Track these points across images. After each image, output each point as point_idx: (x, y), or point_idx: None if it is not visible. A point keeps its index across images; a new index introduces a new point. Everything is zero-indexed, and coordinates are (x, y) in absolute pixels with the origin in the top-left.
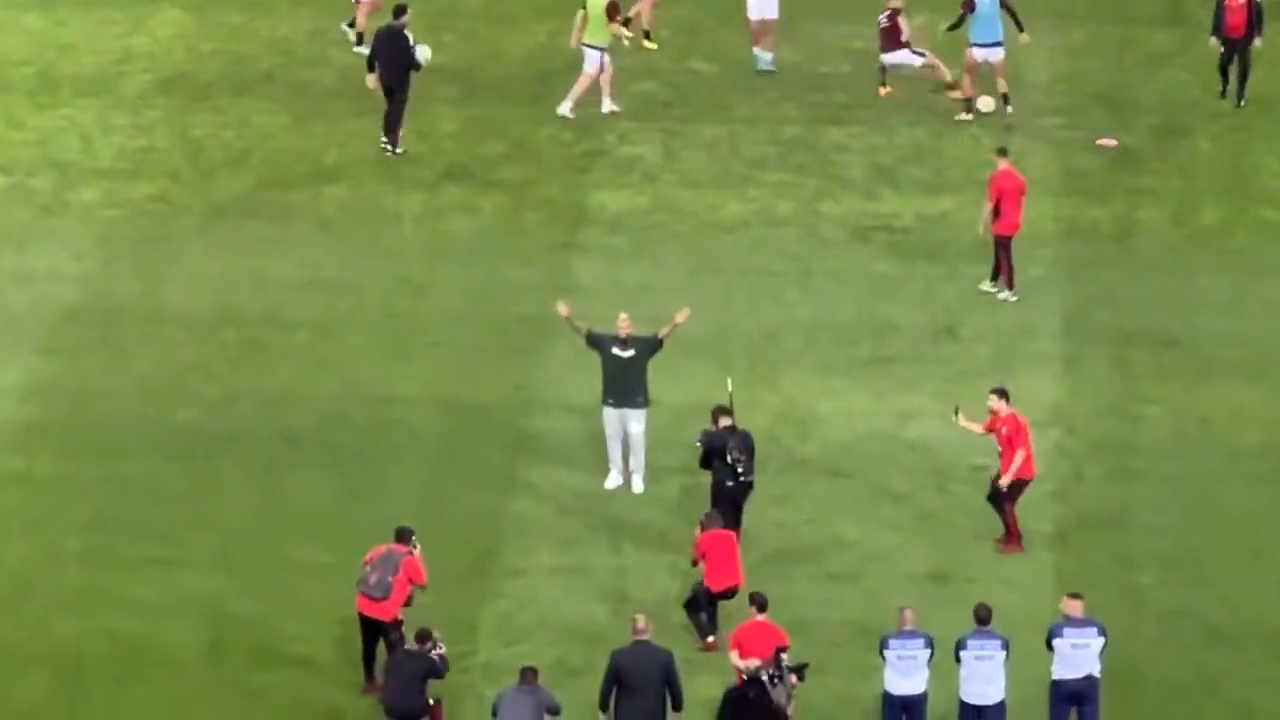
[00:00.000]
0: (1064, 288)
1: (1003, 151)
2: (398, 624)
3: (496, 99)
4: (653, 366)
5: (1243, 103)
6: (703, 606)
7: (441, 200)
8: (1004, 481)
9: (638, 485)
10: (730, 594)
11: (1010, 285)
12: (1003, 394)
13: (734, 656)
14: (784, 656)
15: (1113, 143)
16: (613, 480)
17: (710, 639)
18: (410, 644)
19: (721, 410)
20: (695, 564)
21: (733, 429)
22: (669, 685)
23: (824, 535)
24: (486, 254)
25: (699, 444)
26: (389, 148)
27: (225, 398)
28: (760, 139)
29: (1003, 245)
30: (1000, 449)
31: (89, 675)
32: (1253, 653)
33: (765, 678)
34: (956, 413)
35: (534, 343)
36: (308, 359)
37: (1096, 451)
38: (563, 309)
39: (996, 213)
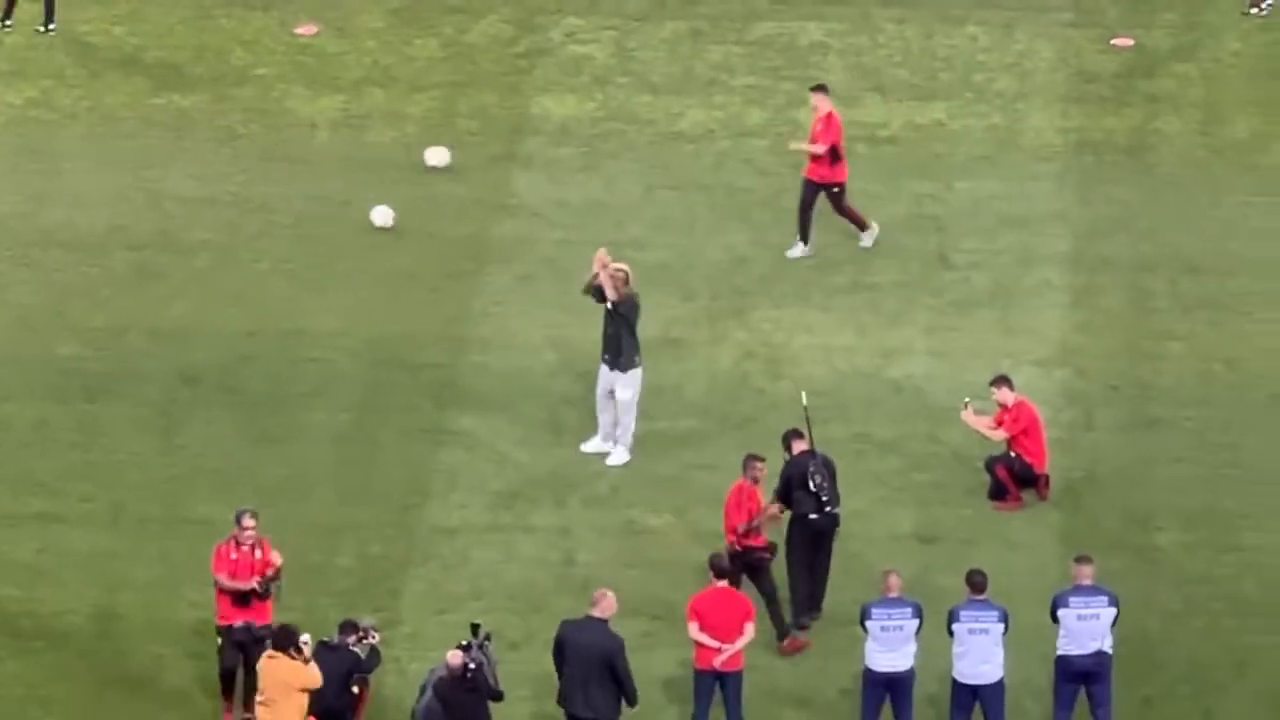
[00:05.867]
0: (1073, 208)
1: (820, 88)
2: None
3: None
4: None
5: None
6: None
7: (362, 106)
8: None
9: (617, 455)
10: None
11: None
12: (1006, 382)
13: (693, 629)
14: (481, 629)
15: (1129, 42)
16: (592, 444)
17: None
18: (331, 636)
19: (796, 434)
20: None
21: (811, 453)
22: (614, 678)
23: None
24: (413, 168)
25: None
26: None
27: (114, 331)
28: (727, 37)
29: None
30: (1011, 450)
31: None
32: None
33: (472, 666)
34: (966, 406)
35: (468, 269)
36: (208, 287)
37: (1109, 396)
38: (603, 260)
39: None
